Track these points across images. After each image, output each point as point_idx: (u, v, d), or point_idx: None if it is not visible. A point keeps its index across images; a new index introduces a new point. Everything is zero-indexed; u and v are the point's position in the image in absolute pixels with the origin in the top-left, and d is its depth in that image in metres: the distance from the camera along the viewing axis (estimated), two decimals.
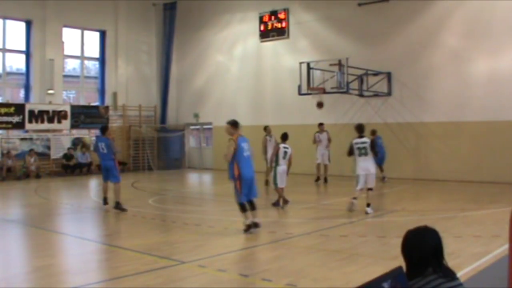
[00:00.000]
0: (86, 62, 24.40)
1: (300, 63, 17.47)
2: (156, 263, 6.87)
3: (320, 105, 15.07)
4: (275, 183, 11.53)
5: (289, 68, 20.39)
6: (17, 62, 22.27)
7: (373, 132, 15.55)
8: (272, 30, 21.95)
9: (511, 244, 4.09)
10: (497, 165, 16.01)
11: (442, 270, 2.69)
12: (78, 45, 23.53)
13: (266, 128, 16.55)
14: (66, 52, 22.96)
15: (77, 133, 22.56)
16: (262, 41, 22.35)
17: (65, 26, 22.57)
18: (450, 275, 2.70)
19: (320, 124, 17.00)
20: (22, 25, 21.77)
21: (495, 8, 16.18)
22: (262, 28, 22.27)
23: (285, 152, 11.52)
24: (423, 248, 2.72)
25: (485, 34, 16.41)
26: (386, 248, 7.70)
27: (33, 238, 9.42)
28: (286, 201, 11.63)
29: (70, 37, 23.09)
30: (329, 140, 16.77)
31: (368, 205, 10.62)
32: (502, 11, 16.09)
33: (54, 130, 21.72)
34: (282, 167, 11.53)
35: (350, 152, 10.91)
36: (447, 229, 8.40)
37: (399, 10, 18.24)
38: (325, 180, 16.76)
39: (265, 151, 15.64)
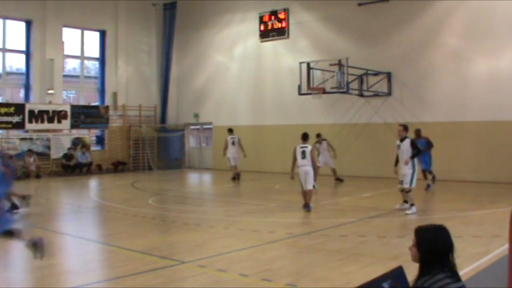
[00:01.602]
0: (86, 62, 24.39)
1: (300, 63, 17.46)
2: (156, 263, 6.87)
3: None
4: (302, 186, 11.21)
5: (289, 68, 20.38)
6: (17, 62, 22.27)
7: (418, 132, 15.23)
8: (272, 30, 21.94)
9: (511, 244, 4.09)
10: (497, 165, 16.01)
11: (450, 270, 2.71)
12: (78, 45, 23.53)
13: (230, 130, 18.23)
14: (66, 52, 22.96)
15: (77, 133, 22.57)
16: (262, 41, 22.34)
17: (65, 26, 22.56)
18: (456, 276, 2.73)
19: (318, 135, 16.61)
20: (22, 25, 21.76)
21: (495, 8, 16.18)
22: (262, 28, 22.26)
23: (303, 152, 11.03)
24: (433, 244, 2.75)
25: (485, 34, 16.41)
26: (386, 248, 7.70)
27: None
28: (306, 205, 11.10)
29: (70, 37, 23.08)
30: (330, 147, 16.83)
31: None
32: (502, 11, 16.09)
33: (54, 130, 21.71)
34: (302, 169, 11.03)
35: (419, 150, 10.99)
36: None
37: (399, 10, 18.24)
38: (340, 180, 16.99)
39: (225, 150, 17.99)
